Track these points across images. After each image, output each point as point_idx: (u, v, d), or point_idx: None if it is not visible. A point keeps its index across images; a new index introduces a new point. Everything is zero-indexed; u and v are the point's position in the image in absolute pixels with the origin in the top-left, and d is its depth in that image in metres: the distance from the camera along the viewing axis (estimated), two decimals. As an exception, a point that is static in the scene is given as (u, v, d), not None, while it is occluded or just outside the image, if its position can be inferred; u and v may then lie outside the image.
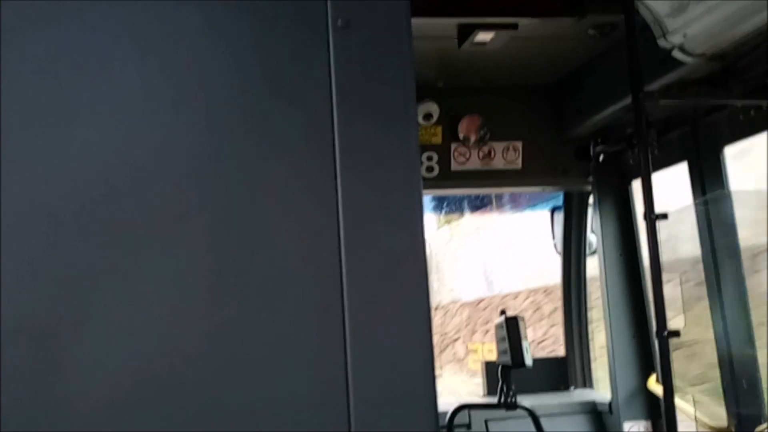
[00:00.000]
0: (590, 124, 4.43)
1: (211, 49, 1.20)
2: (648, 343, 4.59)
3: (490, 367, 4.84)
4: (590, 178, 4.73)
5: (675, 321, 3.35)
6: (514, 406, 4.06)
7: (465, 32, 3.71)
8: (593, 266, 4.97)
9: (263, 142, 1.20)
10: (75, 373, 1.10)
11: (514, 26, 3.65)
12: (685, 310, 3.71)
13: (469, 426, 4.54)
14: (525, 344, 3.91)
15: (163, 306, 1.14)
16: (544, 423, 4.21)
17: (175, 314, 1.14)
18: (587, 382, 5.11)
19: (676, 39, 3.34)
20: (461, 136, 4.58)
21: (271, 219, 1.18)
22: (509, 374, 4.04)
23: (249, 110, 1.20)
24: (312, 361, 1.17)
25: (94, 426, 1.09)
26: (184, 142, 1.17)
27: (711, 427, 4.03)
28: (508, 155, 4.68)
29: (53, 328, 1.10)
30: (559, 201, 5.18)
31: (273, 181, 1.19)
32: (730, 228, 3.96)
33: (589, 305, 5.11)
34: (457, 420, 4.31)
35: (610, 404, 4.67)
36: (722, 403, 4.01)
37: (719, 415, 4.04)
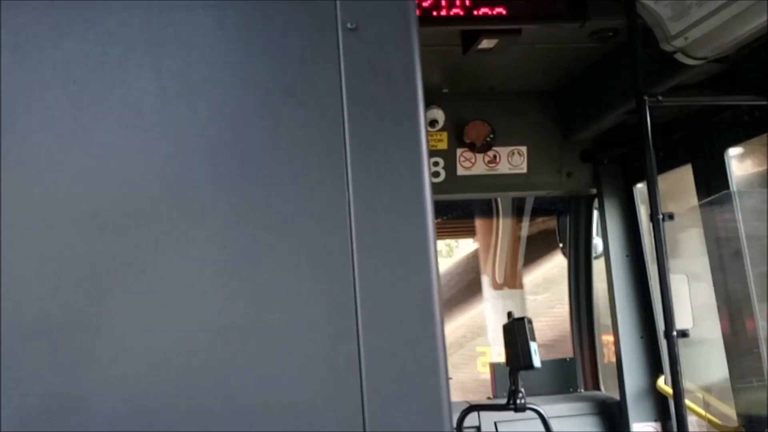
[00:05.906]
0: (594, 128, 4.46)
1: (222, 54, 1.23)
2: (656, 344, 4.61)
3: (498, 369, 4.86)
4: (595, 181, 4.76)
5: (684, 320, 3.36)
6: (523, 407, 4.07)
7: (469, 39, 3.75)
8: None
9: (275, 144, 1.23)
10: (93, 369, 1.13)
11: (518, 32, 3.69)
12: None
13: (478, 428, 4.56)
14: (533, 346, 3.92)
15: (178, 303, 1.17)
16: (553, 424, 4.22)
17: (190, 311, 1.17)
18: (595, 383, 5.12)
19: (678, 42, 3.37)
20: (467, 141, 4.62)
21: (283, 218, 1.22)
22: (518, 376, 4.05)
23: (261, 113, 1.23)
24: (326, 362, 1.20)
25: (111, 420, 1.13)
26: (197, 143, 1.21)
27: (721, 428, 4.04)
28: (513, 160, 4.71)
29: (72, 326, 1.13)
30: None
31: (285, 180, 1.22)
32: (735, 228, 3.98)
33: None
34: (466, 422, 4.32)
35: (618, 405, 4.69)
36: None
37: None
